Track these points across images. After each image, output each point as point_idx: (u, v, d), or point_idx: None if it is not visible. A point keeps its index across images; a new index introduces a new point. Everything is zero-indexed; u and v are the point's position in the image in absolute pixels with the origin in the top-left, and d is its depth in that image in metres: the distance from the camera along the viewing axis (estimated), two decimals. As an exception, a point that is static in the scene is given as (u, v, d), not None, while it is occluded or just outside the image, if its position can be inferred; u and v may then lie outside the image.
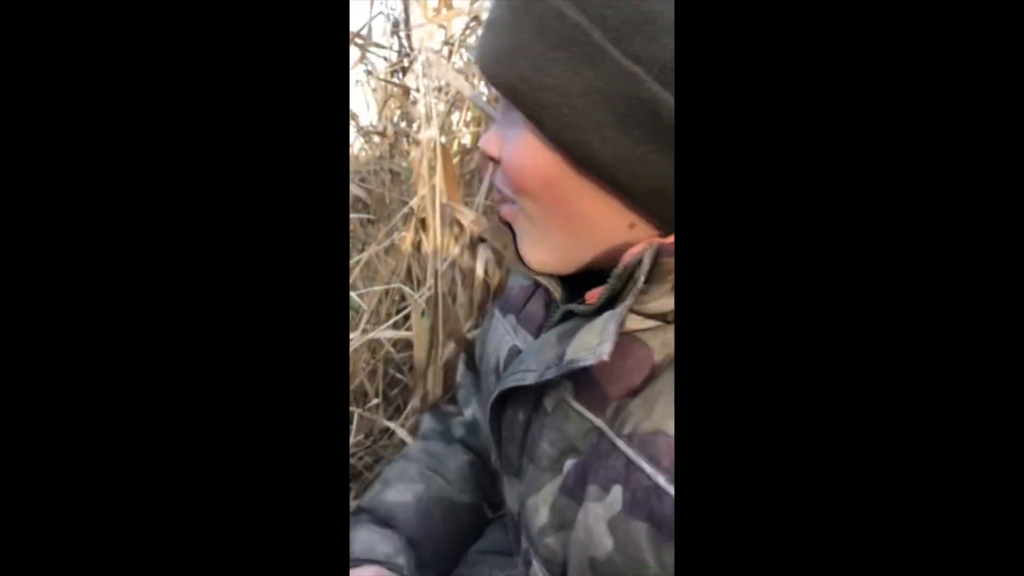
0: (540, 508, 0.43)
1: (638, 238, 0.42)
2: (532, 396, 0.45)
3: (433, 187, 0.85)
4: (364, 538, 0.56)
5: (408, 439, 0.83)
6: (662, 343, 0.40)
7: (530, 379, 0.41)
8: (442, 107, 1.05)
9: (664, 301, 0.39)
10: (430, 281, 0.86)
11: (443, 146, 0.85)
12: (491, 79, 0.40)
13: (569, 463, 0.41)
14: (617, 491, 0.37)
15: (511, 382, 0.44)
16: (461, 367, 0.75)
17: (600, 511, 0.37)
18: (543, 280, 0.47)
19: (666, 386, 0.38)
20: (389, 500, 0.59)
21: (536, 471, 0.44)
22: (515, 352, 0.52)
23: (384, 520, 0.58)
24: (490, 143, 0.45)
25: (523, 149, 0.41)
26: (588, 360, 0.36)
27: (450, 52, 1.05)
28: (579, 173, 0.40)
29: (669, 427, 0.36)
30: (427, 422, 0.71)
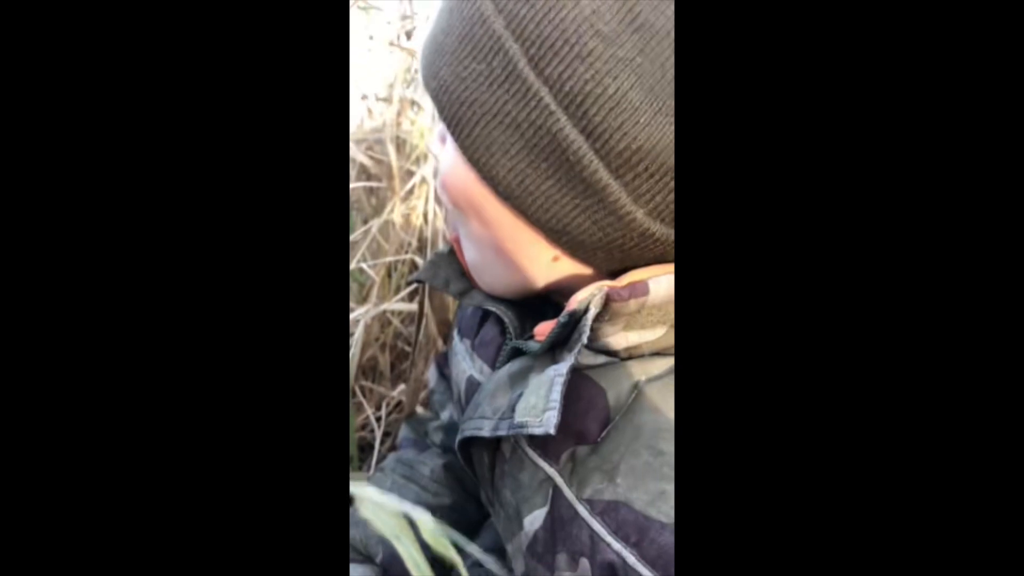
0: (516, 557, 0.41)
1: (564, 272, 0.40)
2: (491, 439, 0.42)
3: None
4: None
5: (420, 411, 0.82)
6: (612, 381, 0.37)
7: (486, 431, 0.39)
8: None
9: (614, 339, 0.37)
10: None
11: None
12: (424, 83, 0.37)
13: (531, 519, 0.39)
14: (585, 566, 0.35)
15: (469, 430, 0.41)
16: (433, 371, 0.72)
17: None
18: (494, 309, 0.45)
19: (627, 445, 0.35)
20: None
21: (506, 518, 0.42)
22: (473, 384, 0.49)
23: (362, 546, 0.56)
24: (434, 143, 0.42)
25: (450, 162, 0.39)
26: (537, 429, 0.34)
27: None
28: (497, 197, 0.37)
29: (635, 499, 0.33)
30: (402, 431, 0.70)
